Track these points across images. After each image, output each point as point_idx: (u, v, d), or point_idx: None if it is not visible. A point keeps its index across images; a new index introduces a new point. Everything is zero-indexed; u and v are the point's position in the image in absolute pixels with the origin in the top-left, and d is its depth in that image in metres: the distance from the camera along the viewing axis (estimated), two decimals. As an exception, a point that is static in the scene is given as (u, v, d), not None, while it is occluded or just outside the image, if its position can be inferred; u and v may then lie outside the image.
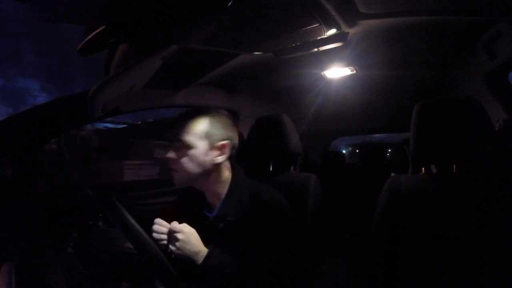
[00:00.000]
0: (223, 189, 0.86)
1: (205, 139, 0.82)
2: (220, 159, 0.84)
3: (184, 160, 0.81)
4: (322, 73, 1.31)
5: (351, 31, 0.89)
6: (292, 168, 1.29)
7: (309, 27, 0.81)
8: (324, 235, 1.28)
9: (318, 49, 0.95)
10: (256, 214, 0.82)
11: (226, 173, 0.88)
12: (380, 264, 0.94)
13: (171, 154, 0.83)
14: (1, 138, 0.88)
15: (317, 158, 2.51)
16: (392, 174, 1.56)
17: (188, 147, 0.81)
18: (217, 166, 0.85)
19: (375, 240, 0.97)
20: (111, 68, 0.80)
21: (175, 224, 0.78)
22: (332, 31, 0.85)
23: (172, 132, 0.84)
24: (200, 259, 0.76)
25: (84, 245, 0.89)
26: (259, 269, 0.78)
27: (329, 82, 1.43)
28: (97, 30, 0.57)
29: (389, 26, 0.89)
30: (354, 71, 1.28)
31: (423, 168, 1.06)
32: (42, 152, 0.99)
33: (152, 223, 0.82)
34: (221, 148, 0.84)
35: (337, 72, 1.30)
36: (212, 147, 0.83)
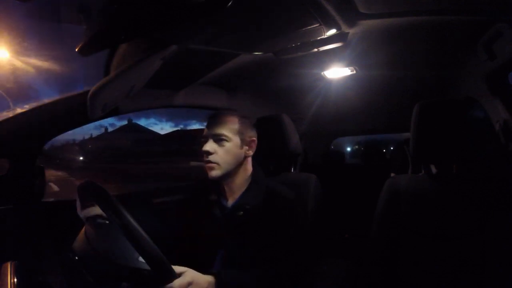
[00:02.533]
0: (245, 183, 0.96)
1: (238, 134, 0.92)
2: (250, 152, 0.96)
3: (223, 153, 0.90)
4: (322, 73, 1.31)
5: (351, 31, 0.89)
6: (292, 168, 1.29)
7: (309, 27, 0.81)
8: (324, 235, 1.28)
9: (318, 49, 0.95)
10: (272, 207, 0.89)
11: (250, 169, 0.98)
12: (380, 264, 0.94)
13: (209, 147, 0.90)
14: (1, 138, 0.88)
15: (317, 158, 2.51)
16: (392, 174, 1.56)
17: (226, 140, 0.90)
18: (245, 161, 0.95)
19: (375, 240, 0.97)
20: (111, 68, 0.80)
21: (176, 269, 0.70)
22: (332, 31, 0.85)
23: (208, 128, 0.92)
24: None
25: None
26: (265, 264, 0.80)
27: (329, 82, 1.43)
28: (97, 30, 0.57)
29: (389, 26, 0.89)
30: (354, 71, 1.28)
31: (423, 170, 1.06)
32: (42, 152, 0.99)
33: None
34: (250, 143, 0.96)
35: (337, 72, 1.30)
36: (243, 142, 0.93)
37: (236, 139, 0.92)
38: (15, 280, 0.60)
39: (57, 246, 0.86)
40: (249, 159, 0.97)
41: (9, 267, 0.63)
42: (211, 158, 0.90)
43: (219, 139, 0.90)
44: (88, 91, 0.72)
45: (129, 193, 1.40)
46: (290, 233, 0.86)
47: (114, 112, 1.08)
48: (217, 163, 0.90)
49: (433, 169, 1.05)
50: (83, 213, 0.82)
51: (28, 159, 0.95)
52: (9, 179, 0.91)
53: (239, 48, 0.94)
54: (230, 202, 0.95)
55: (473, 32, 0.93)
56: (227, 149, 0.90)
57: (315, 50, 0.96)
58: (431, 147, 0.95)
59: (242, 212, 0.89)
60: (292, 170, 1.29)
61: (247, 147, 0.95)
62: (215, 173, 0.90)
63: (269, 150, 1.20)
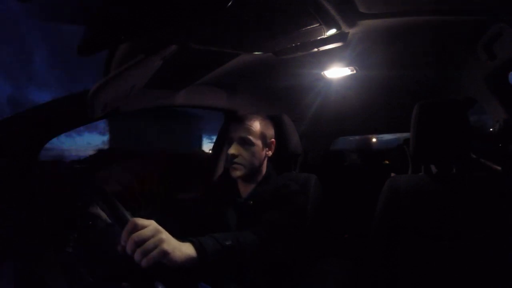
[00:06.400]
0: (260, 179, 1.02)
1: (260, 138, 0.99)
2: (270, 153, 1.03)
3: (248, 155, 0.96)
4: (322, 73, 1.31)
5: (351, 31, 0.89)
6: (292, 168, 1.29)
7: (309, 27, 0.81)
8: (324, 235, 1.28)
9: (318, 49, 0.95)
10: (279, 196, 0.94)
11: (265, 168, 1.04)
12: (380, 264, 0.94)
13: (234, 150, 0.96)
14: (1, 138, 0.88)
15: (317, 158, 2.51)
16: (392, 174, 1.56)
17: (250, 144, 0.96)
18: (264, 160, 1.02)
19: (375, 240, 0.97)
20: (111, 68, 0.80)
21: (139, 221, 0.59)
22: (332, 31, 0.85)
23: (233, 132, 0.98)
24: (185, 251, 0.63)
25: (84, 245, 0.88)
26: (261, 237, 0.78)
27: (329, 82, 1.43)
28: (97, 30, 0.57)
29: (389, 26, 0.89)
30: (354, 71, 1.28)
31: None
32: (42, 152, 0.98)
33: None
34: (270, 145, 1.03)
35: (337, 72, 1.30)
36: (265, 144, 1.00)
37: (258, 142, 0.98)
38: (15, 280, 0.60)
39: (57, 246, 0.86)
40: (267, 159, 1.04)
41: (9, 267, 0.63)
42: (237, 160, 0.96)
43: (244, 143, 0.97)
44: (88, 91, 0.72)
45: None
46: (293, 219, 0.89)
47: (114, 112, 1.08)
48: (242, 165, 0.96)
49: (433, 169, 1.05)
50: (87, 216, 0.82)
51: (28, 159, 0.95)
52: (9, 179, 0.91)
53: (239, 48, 0.94)
54: (244, 196, 1.01)
55: (473, 32, 0.93)
56: (252, 152, 0.97)
57: (315, 50, 0.96)
58: (431, 147, 0.95)
59: (252, 202, 0.96)
60: (292, 170, 1.28)
61: (267, 149, 1.02)
62: (238, 173, 0.97)
63: None
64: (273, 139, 1.04)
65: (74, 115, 0.98)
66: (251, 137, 0.97)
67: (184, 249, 0.63)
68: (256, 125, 0.99)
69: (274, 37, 0.88)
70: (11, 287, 0.60)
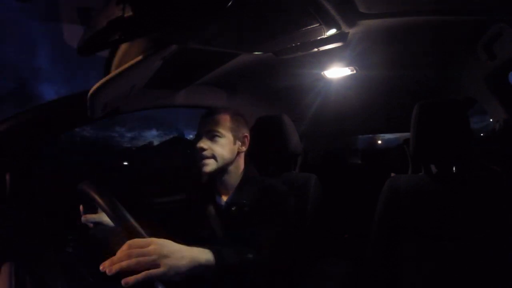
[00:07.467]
0: (238, 180, 0.97)
1: (230, 131, 0.95)
2: (243, 148, 0.98)
3: (218, 148, 0.92)
4: (322, 73, 1.31)
5: (351, 31, 0.89)
6: (292, 168, 1.29)
7: (309, 27, 0.81)
8: (324, 235, 1.28)
9: (318, 49, 0.95)
10: (266, 201, 0.89)
11: (242, 166, 0.99)
12: (380, 264, 0.94)
13: (202, 144, 0.91)
14: (1, 138, 0.88)
15: (317, 158, 2.51)
16: (392, 174, 1.56)
17: (219, 136, 0.92)
18: (238, 157, 0.97)
19: (375, 240, 0.97)
20: (111, 68, 0.80)
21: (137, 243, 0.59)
22: (332, 31, 0.85)
23: (201, 127, 0.95)
24: (194, 260, 0.64)
25: (84, 245, 0.88)
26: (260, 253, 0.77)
27: (329, 82, 1.43)
28: (97, 30, 0.57)
29: (389, 26, 0.89)
30: (354, 71, 1.28)
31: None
32: (42, 152, 0.99)
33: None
34: (243, 139, 0.98)
35: (337, 72, 1.30)
36: (236, 138, 0.96)
37: (229, 135, 0.94)
38: (15, 280, 0.60)
39: (57, 246, 0.86)
40: (242, 155, 0.99)
41: (9, 267, 0.63)
42: (205, 153, 0.91)
43: (212, 136, 0.92)
44: (88, 91, 0.72)
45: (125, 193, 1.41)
46: (285, 226, 0.86)
47: (114, 112, 1.08)
48: (212, 158, 0.91)
49: (433, 169, 1.05)
50: (85, 219, 0.82)
51: (28, 159, 0.95)
52: (9, 179, 0.91)
53: (239, 48, 0.94)
54: (224, 199, 0.96)
55: (473, 32, 0.93)
56: (221, 144, 0.92)
57: (315, 50, 0.96)
58: (431, 147, 0.95)
59: (235, 208, 0.90)
60: (292, 170, 1.28)
61: (240, 143, 0.97)
62: (210, 168, 0.91)
63: (269, 150, 1.20)
64: (246, 134, 0.99)
65: (74, 115, 0.98)
66: (220, 129, 0.93)
67: (201, 255, 0.66)
68: (226, 117, 0.95)
69: (274, 37, 0.88)
70: (11, 287, 0.60)
